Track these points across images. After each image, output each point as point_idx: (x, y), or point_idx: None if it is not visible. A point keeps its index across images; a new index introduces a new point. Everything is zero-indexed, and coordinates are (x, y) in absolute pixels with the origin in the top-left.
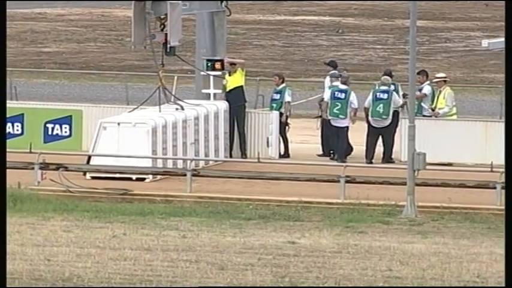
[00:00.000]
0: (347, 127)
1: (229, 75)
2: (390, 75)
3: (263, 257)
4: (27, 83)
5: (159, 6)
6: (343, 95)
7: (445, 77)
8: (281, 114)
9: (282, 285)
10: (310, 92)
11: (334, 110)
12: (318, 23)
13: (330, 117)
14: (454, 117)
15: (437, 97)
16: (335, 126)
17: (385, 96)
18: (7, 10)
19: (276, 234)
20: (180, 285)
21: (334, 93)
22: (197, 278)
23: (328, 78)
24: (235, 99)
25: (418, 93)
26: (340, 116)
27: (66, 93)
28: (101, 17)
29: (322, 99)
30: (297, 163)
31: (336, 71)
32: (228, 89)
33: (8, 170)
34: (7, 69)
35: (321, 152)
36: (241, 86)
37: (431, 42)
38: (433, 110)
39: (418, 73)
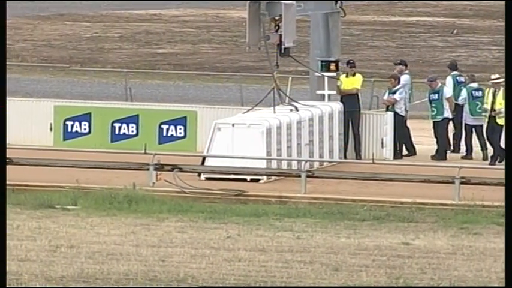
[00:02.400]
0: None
1: (346, 76)
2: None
3: (377, 258)
4: (142, 84)
5: (273, 7)
6: (480, 93)
7: (499, 78)
8: (396, 114)
9: (396, 286)
10: (424, 94)
11: (477, 109)
12: (433, 23)
13: (472, 117)
14: None
15: (494, 97)
16: (475, 125)
17: (480, 94)
18: (121, 11)
19: (390, 236)
20: (294, 286)
21: (472, 93)
22: (311, 279)
23: (449, 79)
24: (350, 104)
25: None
26: (483, 115)
27: (180, 94)
28: (215, 18)
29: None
30: (411, 164)
31: (456, 72)
32: (342, 92)
33: (122, 171)
34: (122, 70)
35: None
36: (357, 94)
37: None
38: (492, 110)
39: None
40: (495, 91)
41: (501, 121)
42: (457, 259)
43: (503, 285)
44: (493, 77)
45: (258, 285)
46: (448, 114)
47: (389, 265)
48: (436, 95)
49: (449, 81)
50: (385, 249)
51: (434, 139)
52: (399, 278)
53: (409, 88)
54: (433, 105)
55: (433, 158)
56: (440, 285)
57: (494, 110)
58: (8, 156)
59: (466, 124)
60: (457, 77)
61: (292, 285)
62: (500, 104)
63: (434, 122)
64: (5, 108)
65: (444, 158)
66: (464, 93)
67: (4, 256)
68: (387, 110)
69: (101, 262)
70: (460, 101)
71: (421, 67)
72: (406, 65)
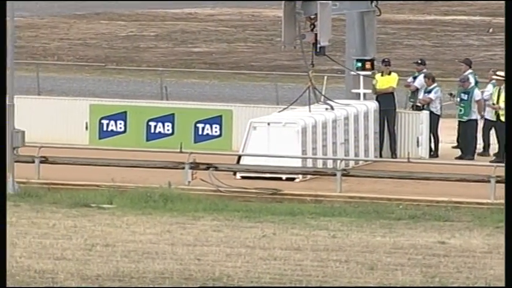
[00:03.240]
0: None
1: (382, 75)
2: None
3: (413, 257)
4: (177, 82)
5: (309, 6)
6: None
7: (503, 76)
8: (431, 113)
9: (431, 286)
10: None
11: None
12: (468, 22)
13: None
14: None
15: (499, 94)
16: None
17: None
18: (156, 10)
19: (426, 234)
20: (330, 285)
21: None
22: (347, 278)
23: (490, 86)
24: (386, 103)
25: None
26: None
27: (216, 93)
28: (251, 17)
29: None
30: (447, 163)
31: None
32: (378, 90)
33: (158, 170)
34: (158, 68)
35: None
36: (393, 93)
37: None
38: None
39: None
40: (499, 89)
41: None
42: (492, 258)
43: (504, 285)
44: (499, 73)
45: (293, 285)
46: (475, 116)
47: (424, 264)
48: (466, 95)
49: (489, 87)
50: (421, 248)
51: (456, 138)
52: (434, 276)
53: (425, 88)
54: (462, 105)
55: (459, 158)
56: (476, 285)
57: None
58: (43, 155)
59: (486, 119)
60: (475, 75)
61: (327, 284)
62: (503, 102)
63: (459, 121)
64: (5, 107)
65: (472, 159)
66: (490, 88)
67: (4, 256)
68: (421, 108)
69: (136, 261)
70: (486, 97)
71: (456, 66)
72: (425, 64)
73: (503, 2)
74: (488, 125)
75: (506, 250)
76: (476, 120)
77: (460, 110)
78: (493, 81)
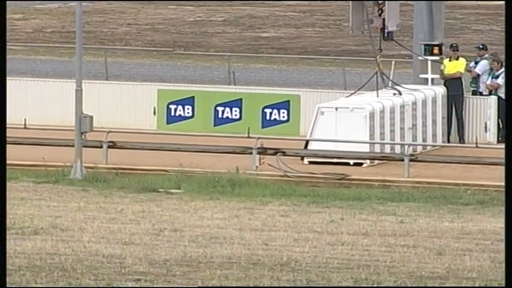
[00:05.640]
0: None
1: (450, 60)
2: None
3: (481, 242)
4: (245, 68)
5: None
6: None
7: None
8: (499, 99)
9: (500, 271)
10: None
11: None
12: None
13: None
14: None
15: None
16: None
17: None
18: None
19: (494, 220)
20: (398, 271)
21: None
22: (415, 263)
23: None
24: (454, 88)
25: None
26: None
27: (284, 78)
28: (319, 1)
29: None
30: None
31: None
32: (446, 76)
33: (226, 155)
34: (226, 53)
35: None
36: (460, 78)
37: None
38: None
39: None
40: None
41: None
42: None
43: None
44: None
45: (361, 270)
46: None
47: (493, 249)
48: None
49: None
50: (489, 233)
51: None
52: (503, 262)
53: (488, 73)
54: None
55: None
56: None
57: None
58: (111, 140)
59: None
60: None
61: (395, 269)
62: None
63: None
64: (5, 107)
65: None
66: None
67: (4, 256)
68: (489, 94)
69: (204, 246)
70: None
71: None
72: (486, 49)
73: None
74: None
75: (506, 250)
76: None
77: None
78: None
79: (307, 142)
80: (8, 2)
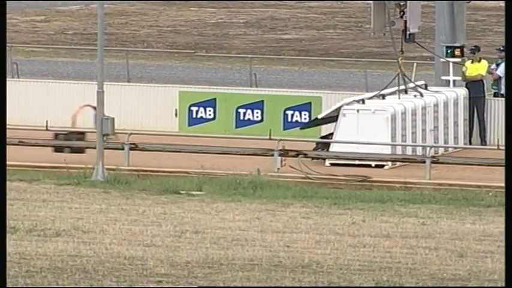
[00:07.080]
0: None
1: (472, 62)
2: None
3: (502, 244)
4: (266, 69)
5: None
6: None
7: None
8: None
9: None
10: None
11: None
12: None
13: None
14: None
15: None
16: None
17: None
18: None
19: None
20: (419, 273)
21: None
22: (436, 265)
23: None
24: (475, 90)
25: None
26: None
27: (305, 80)
28: (340, 3)
29: None
30: None
31: None
32: (467, 78)
33: (247, 157)
34: (247, 55)
35: None
36: (482, 80)
37: None
38: None
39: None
40: None
41: None
42: None
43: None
44: None
45: (382, 272)
46: None
47: None
48: None
49: None
50: None
51: None
52: None
53: None
54: None
55: None
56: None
57: None
58: (133, 141)
59: None
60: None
61: (417, 271)
62: None
63: None
64: (5, 106)
65: None
66: None
67: (4, 256)
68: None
69: (225, 248)
70: None
71: None
72: None
73: None
74: None
75: (506, 250)
76: None
77: None
78: None
79: (328, 144)
80: (28, 2)
